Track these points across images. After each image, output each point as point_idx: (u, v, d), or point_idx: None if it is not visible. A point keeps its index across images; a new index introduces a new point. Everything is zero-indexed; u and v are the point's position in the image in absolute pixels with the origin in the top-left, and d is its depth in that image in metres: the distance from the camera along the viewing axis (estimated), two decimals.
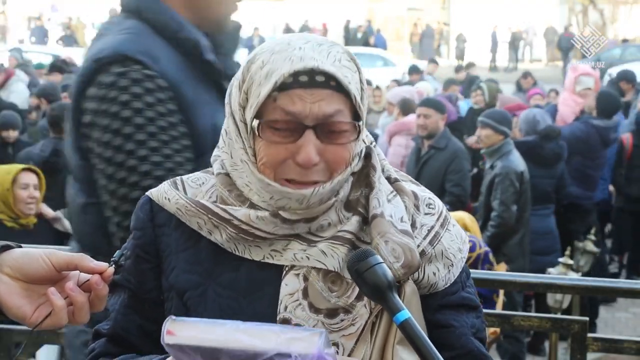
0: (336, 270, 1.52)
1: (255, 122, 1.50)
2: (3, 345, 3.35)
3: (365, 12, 37.18)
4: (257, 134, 1.51)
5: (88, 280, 1.45)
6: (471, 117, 10.31)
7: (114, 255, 1.50)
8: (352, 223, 1.56)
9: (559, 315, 4.18)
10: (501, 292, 5.07)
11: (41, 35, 28.30)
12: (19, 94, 11.38)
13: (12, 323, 3.61)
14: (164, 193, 1.62)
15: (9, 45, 25.39)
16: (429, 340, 1.37)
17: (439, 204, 1.66)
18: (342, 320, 1.52)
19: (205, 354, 1.27)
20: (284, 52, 1.50)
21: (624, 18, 32.82)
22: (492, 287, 4.13)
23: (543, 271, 5.86)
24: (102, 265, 1.46)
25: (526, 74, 14.18)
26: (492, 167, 6.29)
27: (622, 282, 3.12)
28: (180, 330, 1.29)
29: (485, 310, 3.64)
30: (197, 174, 1.69)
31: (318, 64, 1.47)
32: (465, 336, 1.60)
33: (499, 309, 4.93)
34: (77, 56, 19.27)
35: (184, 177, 1.68)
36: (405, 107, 8.49)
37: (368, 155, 1.62)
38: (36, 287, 1.44)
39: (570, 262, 5.66)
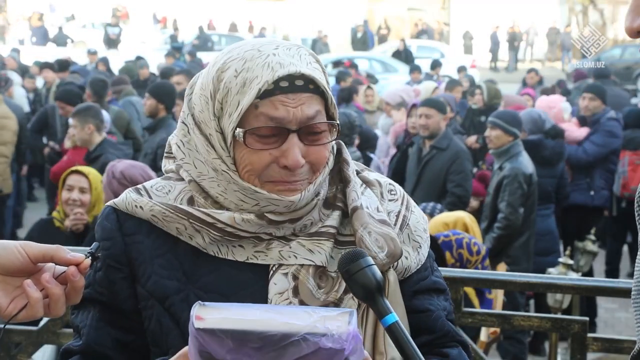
0: (324, 265, 1.55)
1: (239, 131, 1.50)
2: (3, 345, 3.35)
3: (365, 13, 37.17)
4: (241, 142, 1.50)
5: (64, 272, 1.43)
6: (470, 117, 10.32)
7: (91, 247, 1.48)
8: (334, 218, 1.59)
9: (559, 315, 4.17)
10: (501, 292, 5.07)
11: (42, 36, 28.26)
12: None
13: (11, 323, 3.60)
14: (132, 201, 1.61)
15: (9, 45, 25.38)
16: (414, 344, 1.38)
17: (398, 188, 1.72)
18: None
19: (236, 337, 1.23)
20: (257, 59, 1.50)
21: (624, 18, 32.69)
22: (492, 287, 4.12)
23: (543, 271, 5.86)
24: (78, 256, 1.44)
25: (530, 70, 14.28)
26: (500, 168, 6.25)
27: (622, 282, 3.11)
28: (209, 315, 1.25)
29: (485, 310, 3.65)
30: (159, 182, 1.67)
31: (299, 69, 1.49)
32: (441, 319, 1.66)
33: (499, 309, 4.93)
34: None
35: (147, 185, 1.66)
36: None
37: (339, 151, 1.66)
38: (11, 279, 1.42)
39: (570, 262, 5.65)
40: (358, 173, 1.68)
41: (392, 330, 1.39)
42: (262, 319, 1.24)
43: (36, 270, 1.44)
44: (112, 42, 27.03)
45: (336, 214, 1.60)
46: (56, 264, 1.44)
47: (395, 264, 1.59)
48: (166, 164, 1.69)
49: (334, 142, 1.61)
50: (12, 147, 8.42)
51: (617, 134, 7.74)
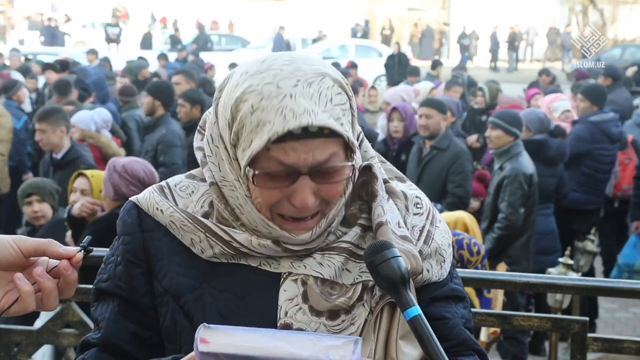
0: (332, 278, 1.54)
1: (249, 171, 1.48)
2: (3, 345, 3.35)
3: (365, 13, 37.18)
4: (251, 180, 1.49)
5: (57, 266, 1.43)
6: (472, 117, 10.33)
7: (83, 241, 1.47)
8: (350, 234, 1.58)
9: (559, 315, 4.17)
10: (501, 291, 5.07)
11: (50, 35, 28.26)
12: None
13: (12, 323, 3.60)
14: (154, 203, 1.61)
15: (9, 45, 25.38)
16: (435, 338, 1.38)
17: (426, 201, 1.69)
18: (343, 322, 1.53)
19: None
20: (274, 100, 1.44)
21: (624, 18, 32.82)
22: (492, 287, 4.12)
23: (543, 271, 5.86)
24: (70, 250, 1.44)
25: (542, 72, 14.27)
26: (501, 168, 6.24)
27: (622, 282, 3.11)
28: (214, 338, 1.26)
29: (485, 310, 3.64)
30: (184, 180, 1.67)
31: (311, 120, 1.43)
32: (457, 327, 1.63)
33: (498, 309, 4.93)
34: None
35: (171, 184, 1.66)
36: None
37: (368, 167, 1.62)
38: (4, 273, 1.42)
39: (570, 262, 5.65)
40: (385, 182, 1.65)
41: (414, 324, 1.38)
42: (267, 346, 1.25)
43: (29, 264, 1.44)
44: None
45: (354, 231, 1.58)
46: (49, 258, 1.44)
47: (416, 275, 1.58)
48: (197, 140, 1.66)
49: (359, 162, 1.58)
50: (8, 144, 8.35)
51: (584, 138, 7.35)
